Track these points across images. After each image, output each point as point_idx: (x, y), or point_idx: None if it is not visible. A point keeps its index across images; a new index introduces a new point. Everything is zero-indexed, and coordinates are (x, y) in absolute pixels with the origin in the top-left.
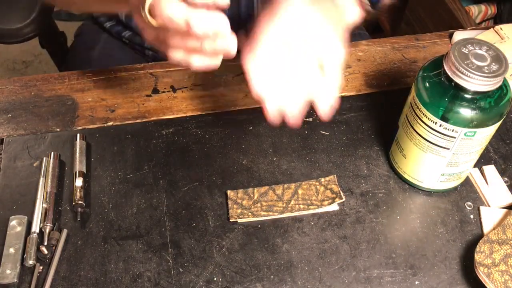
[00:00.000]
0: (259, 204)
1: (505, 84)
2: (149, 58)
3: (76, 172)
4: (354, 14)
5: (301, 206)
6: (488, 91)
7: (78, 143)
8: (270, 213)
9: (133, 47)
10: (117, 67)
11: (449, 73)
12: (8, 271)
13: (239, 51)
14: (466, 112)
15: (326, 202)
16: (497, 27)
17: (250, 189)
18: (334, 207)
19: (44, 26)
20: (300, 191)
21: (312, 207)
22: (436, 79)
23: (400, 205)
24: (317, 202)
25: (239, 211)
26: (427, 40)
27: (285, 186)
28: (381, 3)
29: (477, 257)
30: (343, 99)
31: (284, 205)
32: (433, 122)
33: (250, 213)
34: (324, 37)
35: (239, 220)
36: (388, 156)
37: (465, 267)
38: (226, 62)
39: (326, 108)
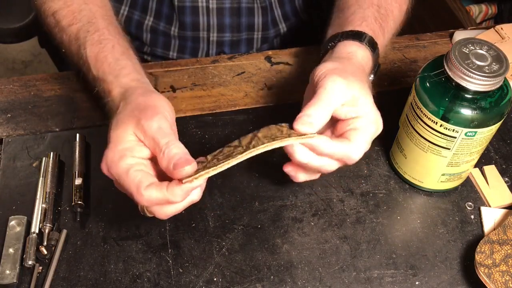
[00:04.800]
0: (215, 160)
1: (505, 84)
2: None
3: (75, 172)
4: None
5: (265, 141)
6: (488, 91)
7: (78, 143)
8: (231, 159)
9: None
10: None
11: (450, 73)
12: (7, 272)
13: None
14: (466, 112)
15: (294, 135)
16: (498, 27)
17: (201, 157)
18: (307, 140)
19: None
20: (260, 134)
21: (278, 139)
22: (436, 79)
23: (400, 205)
24: (283, 136)
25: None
26: (428, 40)
27: (241, 138)
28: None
29: (478, 257)
30: None
31: (244, 147)
32: (434, 122)
33: (204, 169)
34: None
35: (195, 181)
36: (388, 156)
37: (465, 268)
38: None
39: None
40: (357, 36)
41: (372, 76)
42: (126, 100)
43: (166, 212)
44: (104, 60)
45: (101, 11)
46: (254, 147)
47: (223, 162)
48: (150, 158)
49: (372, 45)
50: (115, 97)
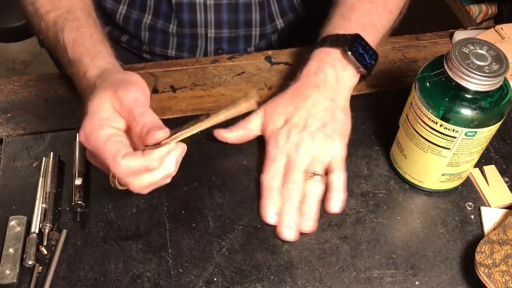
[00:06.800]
0: (181, 130)
1: (505, 84)
2: (148, 61)
3: (75, 172)
4: None
5: (220, 113)
6: (488, 91)
7: (78, 143)
8: (195, 125)
9: (131, 51)
10: None
11: (450, 73)
12: (7, 272)
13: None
14: (466, 112)
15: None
16: (498, 27)
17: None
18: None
19: None
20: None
21: (232, 109)
22: (436, 79)
23: (400, 205)
24: (233, 107)
25: None
26: (428, 39)
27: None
28: (374, 65)
29: (478, 257)
30: None
31: (205, 118)
32: (434, 122)
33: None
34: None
35: (167, 144)
36: (388, 156)
37: (465, 268)
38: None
39: (336, 206)
40: (322, 42)
41: (362, 69)
42: (102, 77)
43: (141, 182)
44: (81, 45)
45: (80, 3)
46: (207, 117)
47: (190, 128)
48: (125, 130)
49: (337, 43)
50: (91, 76)
